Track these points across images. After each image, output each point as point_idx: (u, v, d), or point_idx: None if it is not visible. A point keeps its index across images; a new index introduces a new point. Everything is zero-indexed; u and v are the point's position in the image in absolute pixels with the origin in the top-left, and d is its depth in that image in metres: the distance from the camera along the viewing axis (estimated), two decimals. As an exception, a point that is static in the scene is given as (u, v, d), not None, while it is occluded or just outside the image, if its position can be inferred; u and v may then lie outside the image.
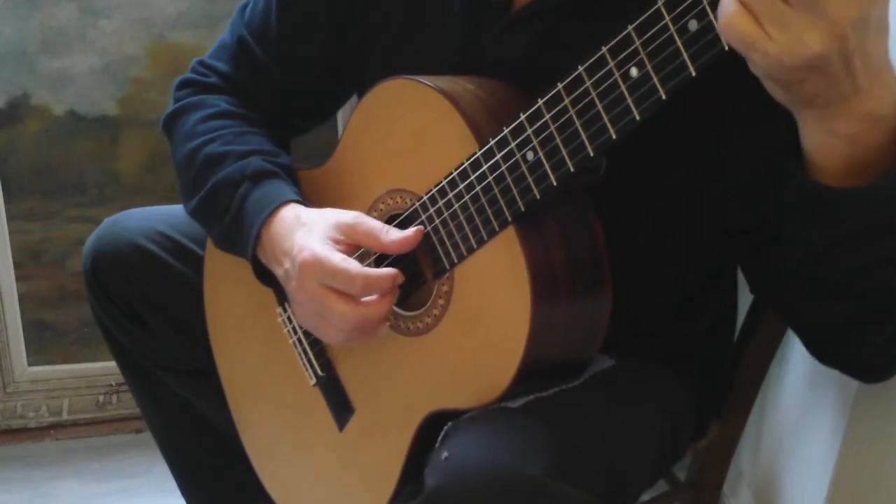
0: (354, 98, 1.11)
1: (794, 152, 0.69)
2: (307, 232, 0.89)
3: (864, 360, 0.83)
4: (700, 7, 0.61)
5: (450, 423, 0.82)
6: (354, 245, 0.89)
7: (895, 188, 0.66)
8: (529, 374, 0.81)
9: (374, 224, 0.88)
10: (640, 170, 0.82)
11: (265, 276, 0.98)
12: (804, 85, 0.60)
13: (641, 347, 0.96)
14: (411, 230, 0.87)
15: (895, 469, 1.10)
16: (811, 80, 0.59)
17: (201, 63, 1.10)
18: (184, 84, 1.10)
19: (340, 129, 1.68)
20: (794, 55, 0.57)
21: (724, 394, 1.12)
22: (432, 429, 0.85)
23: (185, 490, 1.34)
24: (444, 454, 0.76)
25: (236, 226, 0.97)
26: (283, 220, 0.92)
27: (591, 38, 0.69)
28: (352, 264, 0.86)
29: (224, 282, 1.09)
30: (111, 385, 1.81)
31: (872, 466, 1.15)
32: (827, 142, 0.65)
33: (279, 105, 1.08)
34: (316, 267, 0.86)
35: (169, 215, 1.16)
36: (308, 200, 0.96)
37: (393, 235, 0.87)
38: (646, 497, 1.19)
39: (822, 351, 0.87)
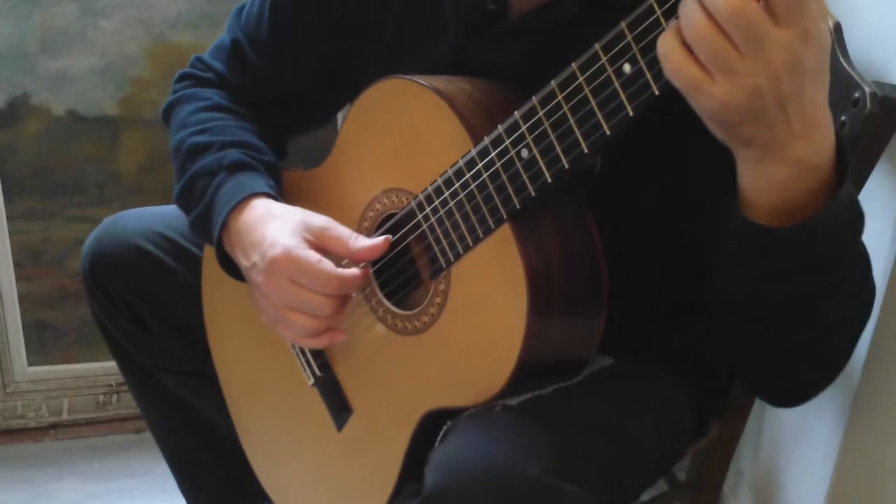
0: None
1: (731, 186, 0.71)
2: (278, 227, 0.89)
3: (777, 389, 0.87)
4: None
5: (449, 422, 0.82)
6: (322, 248, 0.89)
7: (822, 230, 0.68)
8: (526, 372, 0.81)
9: (344, 231, 0.89)
10: (632, 170, 0.82)
11: (228, 265, 0.99)
12: (743, 127, 0.62)
13: (640, 348, 0.95)
14: (379, 238, 0.88)
15: (895, 469, 1.10)
16: (749, 123, 0.62)
17: (199, 59, 1.12)
18: (182, 77, 1.12)
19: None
20: (736, 97, 0.60)
21: (724, 394, 1.12)
22: (431, 427, 0.85)
23: (185, 490, 1.35)
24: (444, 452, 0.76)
25: (207, 213, 0.97)
26: (252, 211, 0.93)
27: (589, 47, 0.69)
28: (327, 265, 0.86)
29: (221, 284, 1.09)
30: (111, 385, 1.81)
31: (872, 466, 1.15)
32: (760, 184, 0.68)
33: (272, 107, 1.09)
34: (288, 263, 0.87)
35: (167, 216, 1.16)
36: (304, 199, 0.96)
37: (361, 242, 0.88)
38: (646, 497, 1.19)
39: (743, 375, 0.89)
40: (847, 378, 1.17)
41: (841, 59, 0.99)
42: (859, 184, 1.01)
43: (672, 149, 0.82)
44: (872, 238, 1.11)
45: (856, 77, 0.97)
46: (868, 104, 0.95)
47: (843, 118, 0.97)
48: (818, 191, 0.67)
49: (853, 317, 0.80)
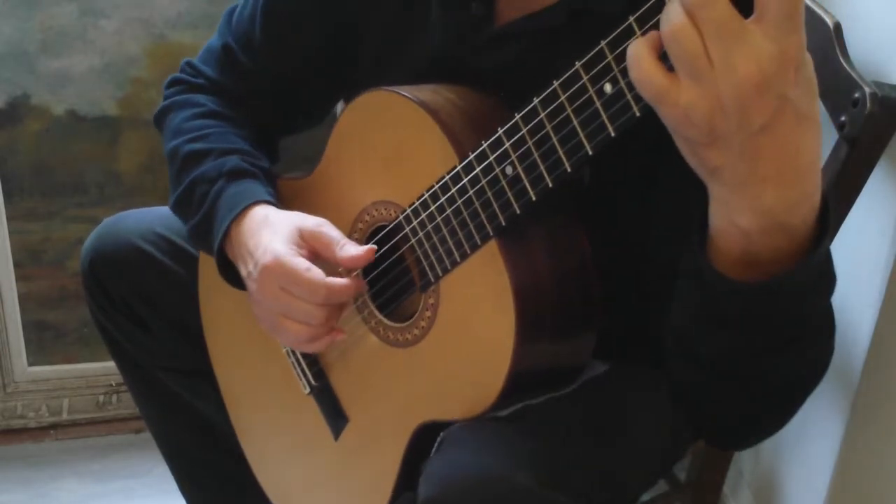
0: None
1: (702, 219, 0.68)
2: (272, 233, 0.90)
3: (710, 428, 0.84)
4: None
5: (443, 433, 0.82)
6: (314, 251, 0.89)
7: (783, 291, 0.65)
8: (518, 386, 0.80)
9: (334, 234, 0.89)
10: (623, 181, 0.81)
11: (230, 274, 0.99)
12: (707, 150, 0.59)
13: (636, 353, 0.95)
14: (364, 248, 0.87)
15: (895, 469, 1.10)
16: (712, 146, 0.58)
17: (190, 65, 1.11)
18: (173, 82, 1.12)
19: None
20: (698, 107, 0.56)
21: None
22: (427, 438, 0.85)
23: (185, 490, 1.35)
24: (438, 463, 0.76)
25: (208, 220, 0.98)
26: (252, 219, 0.93)
27: (576, 56, 0.67)
28: (315, 274, 0.86)
29: (217, 290, 1.09)
30: (111, 385, 1.81)
31: (872, 466, 1.15)
32: (726, 228, 0.64)
33: (266, 107, 1.09)
34: (278, 271, 0.87)
35: (166, 217, 1.16)
36: (294, 209, 0.96)
37: (347, 250, 0.87)
38: (646, 497, 1.19)
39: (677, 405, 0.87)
40: (847, 378, 1.17)
41: (841, 59, 1.00)
42: (859, 184, 1.01)
43: (660, 162, 0.81)
44: (872, 238, 1.11)
45: (856, 77, 0.97)
46: (868, 104, 0.95)
47: (843, 118, 0.97)
48: (788, 251, 0.63)
49: (797, 378, 0.75)
